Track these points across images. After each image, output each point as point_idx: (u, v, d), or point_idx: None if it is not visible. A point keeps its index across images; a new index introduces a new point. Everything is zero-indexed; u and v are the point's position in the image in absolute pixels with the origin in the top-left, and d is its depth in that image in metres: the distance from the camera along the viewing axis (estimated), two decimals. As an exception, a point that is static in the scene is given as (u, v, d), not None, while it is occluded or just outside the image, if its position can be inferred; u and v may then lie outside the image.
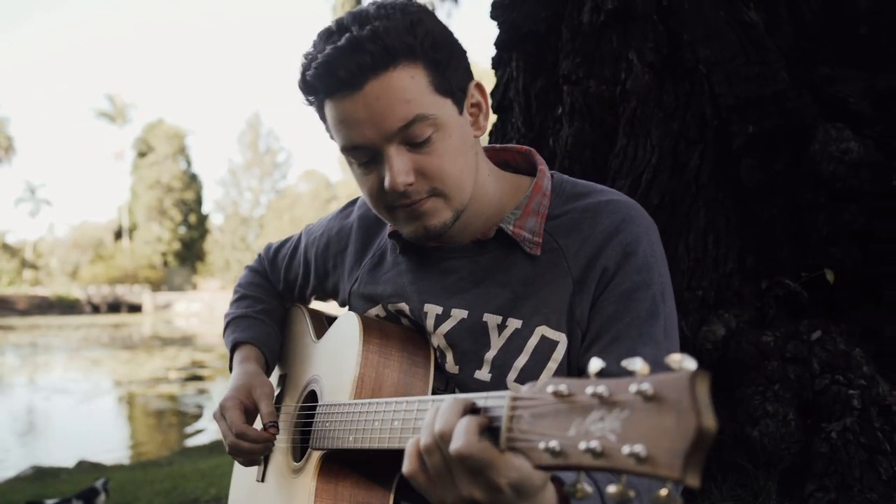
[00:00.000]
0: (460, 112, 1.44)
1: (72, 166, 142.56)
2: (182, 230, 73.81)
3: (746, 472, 2.58)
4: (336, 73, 1.35)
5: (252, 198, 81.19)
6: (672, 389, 0.75)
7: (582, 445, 0.80)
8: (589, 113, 3.24)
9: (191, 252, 73.82)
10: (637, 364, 0.80)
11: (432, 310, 1.60)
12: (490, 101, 1.48)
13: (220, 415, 1.76)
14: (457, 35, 1.46)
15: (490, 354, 1.47)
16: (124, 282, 64.31)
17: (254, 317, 2.03)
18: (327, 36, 1.39)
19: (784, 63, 2.88)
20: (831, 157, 2.67)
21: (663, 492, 0.76)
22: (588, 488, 0.87)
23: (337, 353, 1.69)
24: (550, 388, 0.87)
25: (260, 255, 2.19)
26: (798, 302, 2.80)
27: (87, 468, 8.02)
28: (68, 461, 8.38)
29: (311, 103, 1.48)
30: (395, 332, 1.62)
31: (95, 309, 55.03)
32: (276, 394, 1.87)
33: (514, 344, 1.46)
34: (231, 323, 2.05)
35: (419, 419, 1.21)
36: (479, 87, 1.48)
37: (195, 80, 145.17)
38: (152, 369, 18.13)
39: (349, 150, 1.44)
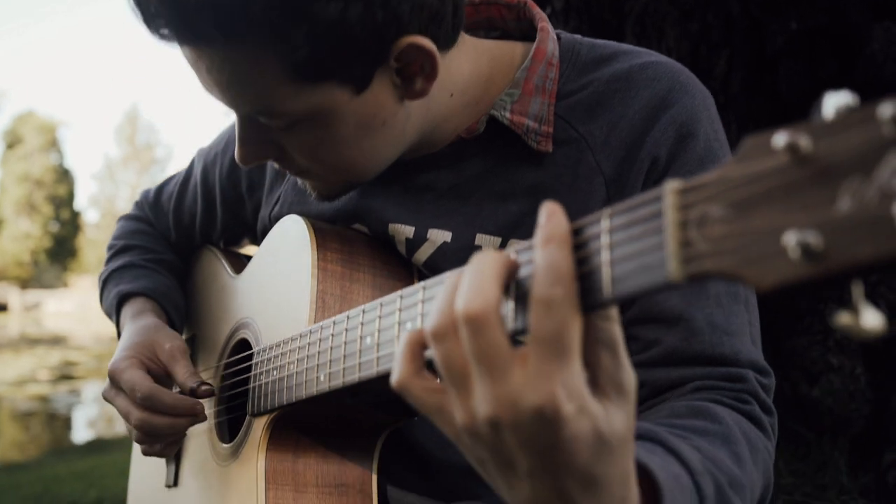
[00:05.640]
0: (360, 90, 1.07)
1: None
2: (53, 226, 71.86)
3: (807, 441, 2.11)
4: (153, 19, 0.97)
5: (129, 193, 79.88)
6: None
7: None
8: (587, 11, 2.74)
9: (63, 249, 71.88)
10: None
11: (400, 231, 1.25)
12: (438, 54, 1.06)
13: (113, 386, 1.31)
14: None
15: None
16: (-11, 280, 62.00)
17: (142, 265, 1.60)
18: None
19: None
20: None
21: None
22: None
23: (276, 275, 1.30)
24: (781, 141, 0.49)
25: (138, 202, 1.77)
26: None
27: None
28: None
29: None
30: (357, 238, 1.26)
31: (-45, 308, 52.58)
32: None
33: None
34: (110, 278, 1.59)
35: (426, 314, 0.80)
36: (415, 46, 1.04)
37: (69, 69, 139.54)
38: (20, 370, 17.26)
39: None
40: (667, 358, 1.07)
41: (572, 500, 0.66)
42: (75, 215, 75.38)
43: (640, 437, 0.85)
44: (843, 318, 0.50)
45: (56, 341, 25.47)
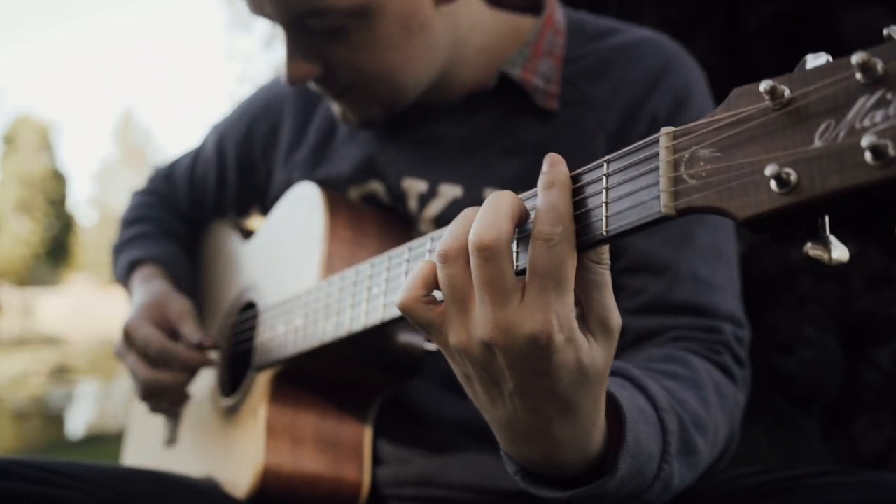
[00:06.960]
0: None
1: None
2: (49, 227, 71.35)
3: (781, 411, 2.16)
4: None
5: (126, 194, 79.39)
6: None
7: (864, 141, 0.49)
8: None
9: (58, 248, 71.50)
10: None
11: (414, 186, 1.29)
12: None
13: (126, 343, 1.33)
14: None
15: None
16: (-14, 280, 61.49)
17: (152, 235, 1.64)
18: None
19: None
20: (866, 38, 2.28)
21: None
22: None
23: (286, 239, 1.32)
24: (764, 87, 0.56)
25: (150, 177, 1.80)
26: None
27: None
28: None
29: None
30: (367, 210, 1.28)
31: (-48, 309, 52.06)
32: None
33: None
34: (123, 248, 1.64)
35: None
36: None
37: (66, 71, 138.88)
38: (14, 369, 17.12)
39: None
40: (650, 306, 1.12)
41: (549, 422, 0.71)
42: (71, 216, 75.01)
43: (614, 373, 0.89)
44: (814, 250, 0.56)
45: (51, 340, 25.25)
